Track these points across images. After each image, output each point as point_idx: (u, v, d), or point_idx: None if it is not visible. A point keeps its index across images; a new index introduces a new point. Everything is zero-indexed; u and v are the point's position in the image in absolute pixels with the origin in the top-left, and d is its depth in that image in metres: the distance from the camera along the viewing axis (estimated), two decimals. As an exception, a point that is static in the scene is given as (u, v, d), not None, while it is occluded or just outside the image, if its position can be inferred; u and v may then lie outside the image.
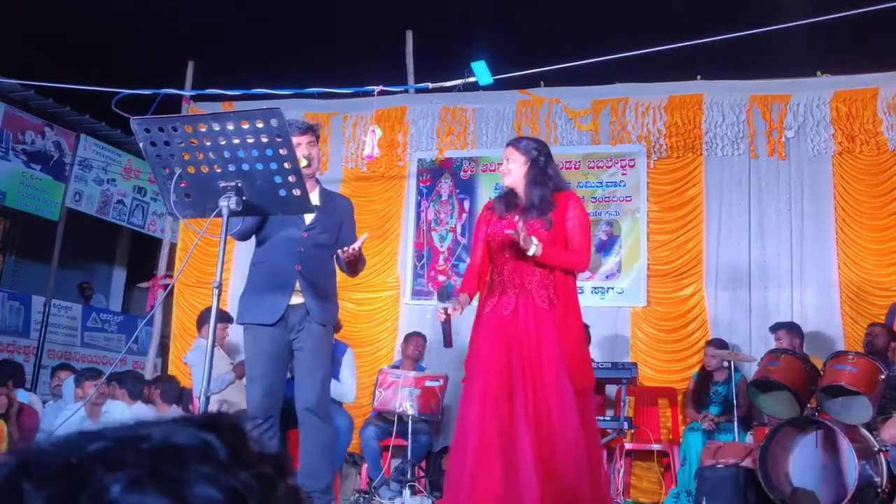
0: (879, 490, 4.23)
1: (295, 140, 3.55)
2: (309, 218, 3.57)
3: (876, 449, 4.29)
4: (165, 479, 0.53)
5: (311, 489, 3.45)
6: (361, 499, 5.19)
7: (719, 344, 5.70)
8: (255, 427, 3.44)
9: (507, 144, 3.53)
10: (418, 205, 6.94)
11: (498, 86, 5.85)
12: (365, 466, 5.71)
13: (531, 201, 3.35)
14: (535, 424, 3.03)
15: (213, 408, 4.95)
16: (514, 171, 3.40)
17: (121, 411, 5.28)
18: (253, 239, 3.67)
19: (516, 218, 3.27)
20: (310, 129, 3.66)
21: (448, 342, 3.31)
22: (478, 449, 3.05)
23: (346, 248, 3.40)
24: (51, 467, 0.53)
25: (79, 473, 0.53)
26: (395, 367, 5.96)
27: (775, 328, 5.68)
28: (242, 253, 6.94)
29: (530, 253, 3.16)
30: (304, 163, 3.39)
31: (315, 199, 3.65)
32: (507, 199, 3.44)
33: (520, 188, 3.41)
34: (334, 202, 3.78)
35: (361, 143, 6.67)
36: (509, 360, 3.16)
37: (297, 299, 3.49)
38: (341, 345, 5.44)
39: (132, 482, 0.52)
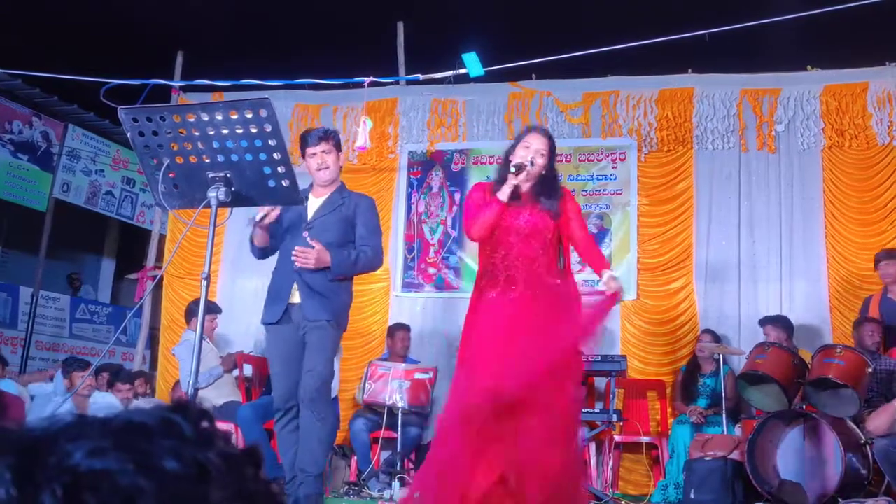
0: (866, 482, 4.26)
1: (310, 151, 3.73)
2: (310, 218, 3.69)
3: (862, 441, 4.32)
4: (129, 449, 0.54)
5: (306, 474, 3.53)
6: (351, 491, 5.19)
7: (714, 336, 5.73)
8: (278, 419, 3.66)
9: (535, 131, 3.47)
10: (409, 197, 6.92)
11: (489, 78, 5.84)
12: (354, 459, 5.71)
13: (550, 190, 3.38)
14: (526, 412, 2.97)
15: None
16: (540, 162, 3.35)
17: (108, 402, 5.26)
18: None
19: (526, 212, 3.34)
20: (323, 139, 3.71)
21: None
22: (464, 440, 2.98)
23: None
24: (13, 441, 0.54)
25: (42, 444, 0.54)
26: (385, 359, 5.95)
27: (763, 322, 5.70)
28: (232, 244, 6.92)
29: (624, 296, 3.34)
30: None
31: (321, 198, 3.75)
32: (514, 191, 3.35)
33: (534, 178, 3.38)
34: (344, 200, 3.76)
35: (352, 135, 6.64)
36: (508, 347, 3.08)
37: (296, 299, 3.62)
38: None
39: (95, 450, 0.53)
